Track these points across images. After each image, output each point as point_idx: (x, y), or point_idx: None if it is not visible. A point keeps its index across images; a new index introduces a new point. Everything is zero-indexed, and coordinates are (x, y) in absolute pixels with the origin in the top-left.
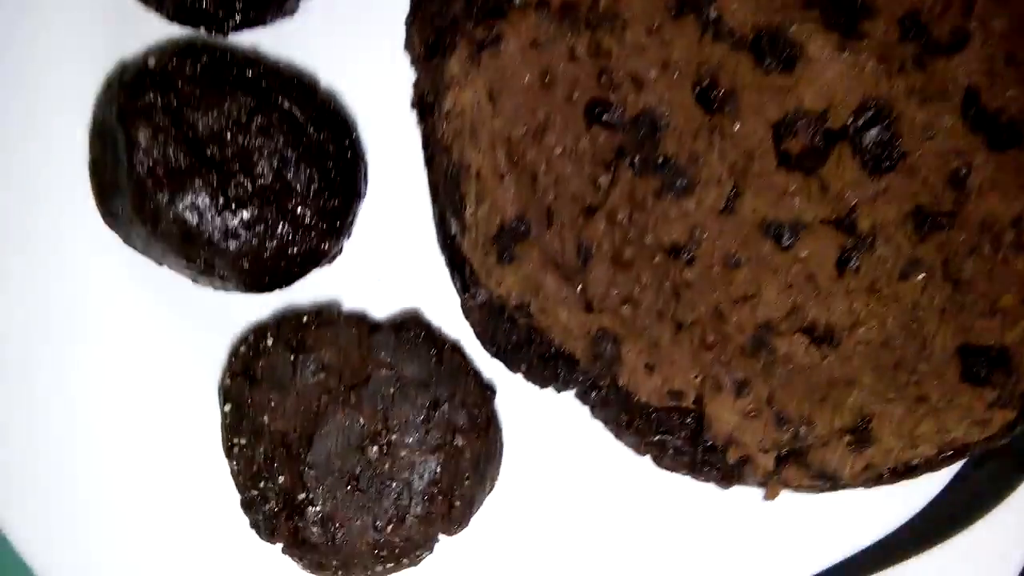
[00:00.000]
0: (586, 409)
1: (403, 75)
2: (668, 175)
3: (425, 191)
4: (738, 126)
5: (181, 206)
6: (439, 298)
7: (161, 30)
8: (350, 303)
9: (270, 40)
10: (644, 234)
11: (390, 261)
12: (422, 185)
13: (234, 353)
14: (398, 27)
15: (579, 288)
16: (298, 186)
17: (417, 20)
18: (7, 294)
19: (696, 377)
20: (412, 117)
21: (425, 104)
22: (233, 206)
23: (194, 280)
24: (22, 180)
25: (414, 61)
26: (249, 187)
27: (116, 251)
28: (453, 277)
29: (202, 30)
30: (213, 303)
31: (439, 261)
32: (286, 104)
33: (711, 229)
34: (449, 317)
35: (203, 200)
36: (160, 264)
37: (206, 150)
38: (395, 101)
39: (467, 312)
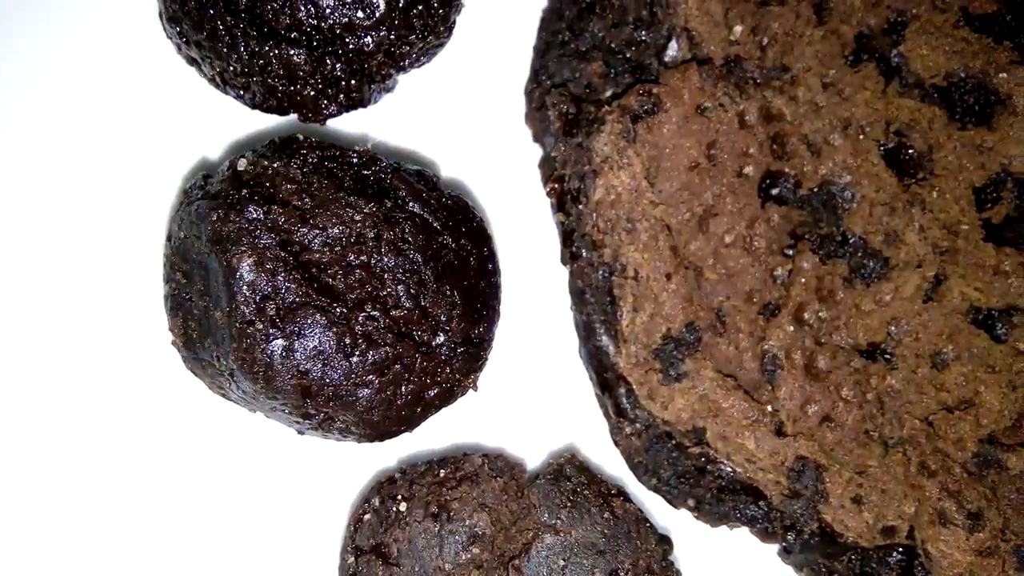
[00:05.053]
0: (767, 547)
1: (522, 152)
2: (858, 258)
3: (562, 297)
4: (935, 194)
5: (300, 355)
6: (583, 426)
7: (237, 120)
8: (479, 438)
9: (367, 124)
10: (835, 333)
11: (524, 387)
12: (559, 290)
13: (356, 520)
14: (508, 93)
15: (768, 408)
16: (439, 313)
17: (542, 87)
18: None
19: (912, 508)
20: (534, 202)
21: (565, 191)
22: (363, 346)
23: (300, 432)
24: (94, 325)
25: (542, 135)
26: (381, 320)
27: (194, 393)
28: (603, 399)
29: (293, 118)
30: (320, 451)
31: (583, 380)
32: (414, 206)
33: (912, 321)
34: (600, 449)
35: (327, 343)
36: (254, 412)
37: (326, 277)
38: (517, 187)
39: (620, 439)
